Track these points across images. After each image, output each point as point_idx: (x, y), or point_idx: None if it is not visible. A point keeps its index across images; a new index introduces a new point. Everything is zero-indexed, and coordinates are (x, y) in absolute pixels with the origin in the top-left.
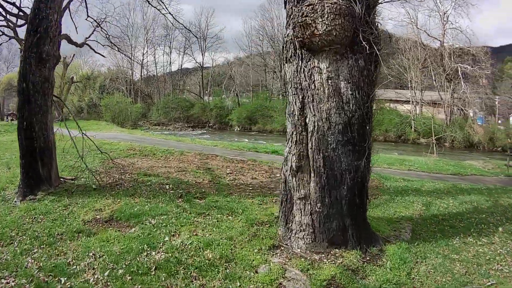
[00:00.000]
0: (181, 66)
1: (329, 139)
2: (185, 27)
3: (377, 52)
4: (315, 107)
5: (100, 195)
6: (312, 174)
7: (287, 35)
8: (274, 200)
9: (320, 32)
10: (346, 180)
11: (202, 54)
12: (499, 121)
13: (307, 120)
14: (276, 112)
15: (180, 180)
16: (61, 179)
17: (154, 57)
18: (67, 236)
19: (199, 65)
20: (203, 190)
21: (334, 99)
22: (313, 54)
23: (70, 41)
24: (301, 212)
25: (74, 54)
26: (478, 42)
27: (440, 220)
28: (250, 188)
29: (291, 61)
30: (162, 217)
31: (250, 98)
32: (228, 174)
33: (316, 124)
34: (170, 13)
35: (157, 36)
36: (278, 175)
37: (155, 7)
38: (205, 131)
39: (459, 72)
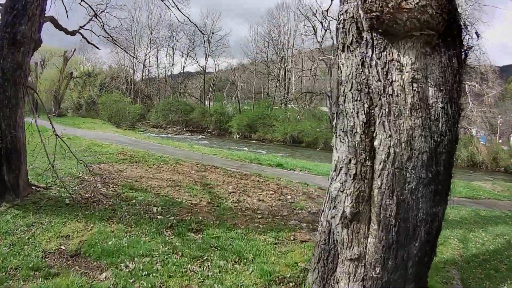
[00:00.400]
0: (183, 68)
1: (408, 175)
2: (192, 21)
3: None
4: (391, 123)
5: (71, 215)
6: (375, 226)
7: (346, 11)
8: (292, 238)
9: (411, 7)
10: (419, 234)
11: (206, 58)
12: (500, 140)
13: (375, 143)
14: (278, 121)
15: (171, 200)
16: (32, 187)
17: (157, 58)
18: (21, 273)
19: (201, 68)
20: (200, 217)
21: (420, 114)
22: (391, 40)
23: (57, 25)
24: (349, 277)
25: (75, 49)
26: (485, 60)
27: (482, 261)
28: (259, 216)
29: (352, 49)
30: (143, 260)
31: (252, 106)
32: (230, 193)
33: (391, 150)
34: (177, 7)
35: (161, 37)
36: (289, 197)
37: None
38: (204, 136)
39: (467, 90)
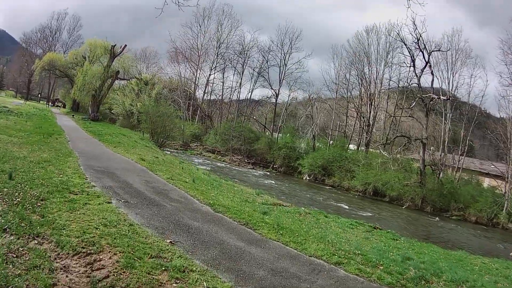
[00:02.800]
0: (252, 90)
1: None
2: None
3: None
4: None
5: None
6: None
7: None
8: None
9: None
10: None
11: (280, 81)
12: None
13: None
14: (359, 166)
15: None
16: None
17: (223, 74)
18: None
19: (273, 92)
20: None
21: None
22: None
23: None
24: None
25: (125, 45)
26: None
27: None
28: None
29: None
30: None
31: (327, 144)
32: None
33: None
34: None
35: (230, 52)
36: None
37: None
38: (268, 173)
39: None
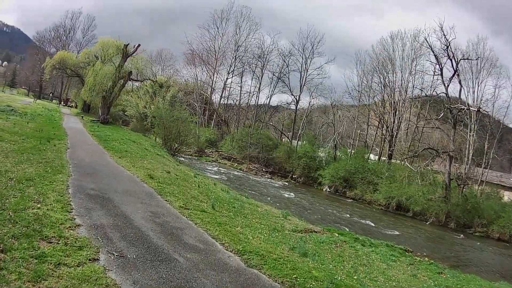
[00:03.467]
0: (271, 96)
1: None
2: None
3: None
4: None
5: None
6: None
7: None
8: None
9: None
10: None
11: (301, 87)
12: None
13: None
14: (381, 179)
15: None
16: None
17: (241, 78)
18: None
19: (294, 98)
20: None
21: None
22: None
23: None
24: None
25: (139, 44)
26: None
27: None
28: None
29: None
30: None
31: (348, 154)
32: None
33: None
34: None
35: (249, 56)
36: None
37: None
38: (287, 183)
39: None
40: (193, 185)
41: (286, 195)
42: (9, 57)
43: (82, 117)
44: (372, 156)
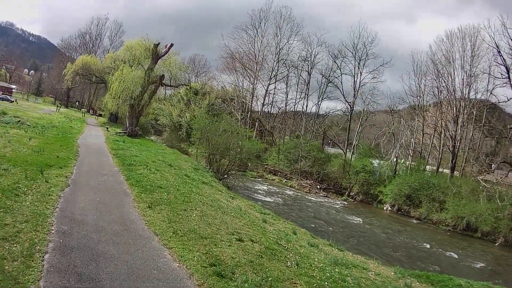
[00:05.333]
0: (320, 102)
1: None
2: None
3: None
4: None
5: None
6: None
7: None
8: None
9: None
10: None
11: (355, 92)
12: None
13: None
14: (447, 195)
15: None
16: None
17: (286, 83)
18: None
19: (348, 105)
20: None
21: None
22: None
23: None
24: None
25: (172, 44)
26: None
27: None
28: None
29: None
30: None
31: (408, 167)
32: None
33: None
34: None
35: (293, 59)
36: None
37: None
38: (345, 202)
39: None
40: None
41: (354, 221)
42: (35, 66)
43: (107, 128)
44: (427, 168)
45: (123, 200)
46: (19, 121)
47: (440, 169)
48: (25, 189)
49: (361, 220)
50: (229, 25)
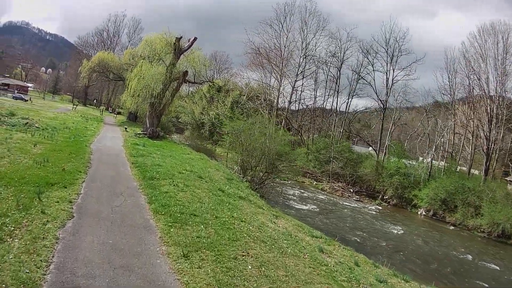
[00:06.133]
0: (350, 99)
1: None
2: None
3: None
4: None
5: None
6: None
7: None
8: None
9: None
10: None
11: (388, 89)
12: None
13: None
14: (482, 200)
15: None
16: None
17: (315, 80)
18: None
19: (381, 104)
20: None
21: None
22: None
23: None
24: None
25: (195, 38)
26: None
27: None
28: None
29: None
30: None
31: (442, 169)
32: None
33: None
34: None
35: (321, 55)
36: None
37: None
38: (378, 206)
39: None
40: None
41: (393, 231)
42: (53, 64)
43: (126, 128)
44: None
45: (146, 241)
46: (27, 123)
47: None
48: (12, 228)
49: (400, 229)
50: (247, 21)
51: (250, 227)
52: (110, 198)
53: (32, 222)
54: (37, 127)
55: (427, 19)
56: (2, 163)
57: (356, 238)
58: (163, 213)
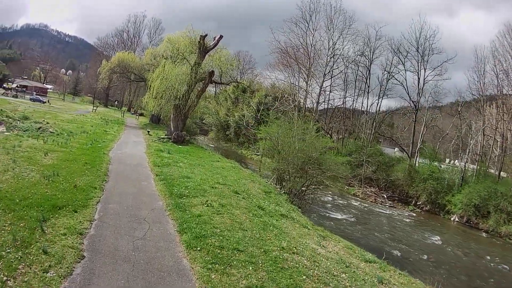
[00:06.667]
0: (381, 99)
1: None
2: None
3: None
4: None
5: None
6: None
7: None
8: None
9: None
10: None
11: (419, 90)
12: None
13: None
14: None
15: None
16: None
17: (344, 80)
18: None
19: (413, 105)
20: None
21: None
22: None
23: None
24: None
25: (221, 36)
26: None
27: None
28: None
29: None
30: None
31: (474, 173)
32: None
33: None
34: None
35: (349, 53)
36: None
37: None
38: (412, 213)
39: None
40: None
41: (432, 241)
42: (73, 66)
43: (149, 131)
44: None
45: None
46: (40, 127)
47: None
48: (5, 278)
49: (438, 238)
50: (270, 21)
51: (304, 261)
52: (131, 225)
53: (30, 268)
54: (51, 132)
55: (449, 18)
56: (4, 178)
57: (398, 252)
58: (198, 248)
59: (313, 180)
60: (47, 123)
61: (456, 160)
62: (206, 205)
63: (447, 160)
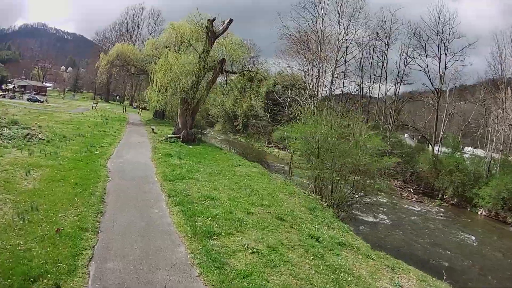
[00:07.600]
0: (399, 85)
1: None
2: None
3: None
4: None
5: None
6: None
7: None
8: None
9: None
10: None
11: (441, 77)
12: None
13: None
14: None
15: None
16: None
17: (361, 66)
18: None
19: (435, 92)
20: None
21: None
22: None
23: None
24: None
25: (231, 20)
26: None
27: None
28: None
29: None
30: None
31: (498, 162)
32: None
33: None
34: None
35: (360, 39)
36: None
37: None
38: (440, 207)
39: None
40: None
41: (469, 241)
42: (73, 63)
43: (153, 129)
44: None
45: None
46: (28, 134)
47: None
48: None
49: (473, 238)
50: (275, 11)
51: None
52: None
53: None
54: (40, 139)
55: (456, 2)
56: None
57: (443, 262)
58: None
59: (365, 188)
60: (39, 126)
61: (478, 150)
62: (250, 250)
63: (467, 149)
